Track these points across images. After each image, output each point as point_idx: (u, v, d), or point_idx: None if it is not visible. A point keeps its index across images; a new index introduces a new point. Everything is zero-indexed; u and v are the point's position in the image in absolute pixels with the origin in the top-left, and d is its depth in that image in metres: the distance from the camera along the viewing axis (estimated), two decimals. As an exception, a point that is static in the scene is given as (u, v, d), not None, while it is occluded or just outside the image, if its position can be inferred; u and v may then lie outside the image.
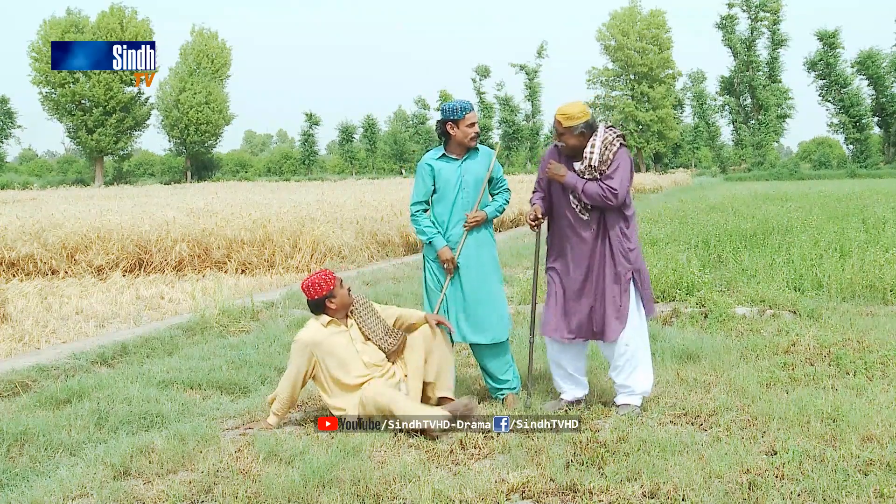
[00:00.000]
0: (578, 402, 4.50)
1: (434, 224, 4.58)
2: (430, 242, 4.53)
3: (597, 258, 4.32)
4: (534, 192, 4.63)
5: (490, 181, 4.66)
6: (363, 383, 4.25)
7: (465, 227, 4.50)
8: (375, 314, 4.43)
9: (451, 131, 4.52)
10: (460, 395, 4.54)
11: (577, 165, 4.33)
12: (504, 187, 4.74)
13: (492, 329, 4.52)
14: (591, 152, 4.26)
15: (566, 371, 4.50)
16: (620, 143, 4.30)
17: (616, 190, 4.22)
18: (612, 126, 4.38)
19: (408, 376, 4.36)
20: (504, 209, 4.72)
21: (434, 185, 4.58)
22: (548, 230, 4.60)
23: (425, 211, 4.66)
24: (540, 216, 4.47)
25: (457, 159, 4.57)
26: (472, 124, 4.50)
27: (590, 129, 4.28)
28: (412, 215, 4.64)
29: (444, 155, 4.58)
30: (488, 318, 4.52)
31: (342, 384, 4.23)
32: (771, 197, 20.77)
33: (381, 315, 4.46)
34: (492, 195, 4.74)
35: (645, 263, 4.51)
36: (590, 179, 4.27)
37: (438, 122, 4.55)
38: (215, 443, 3.91)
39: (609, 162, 4.25)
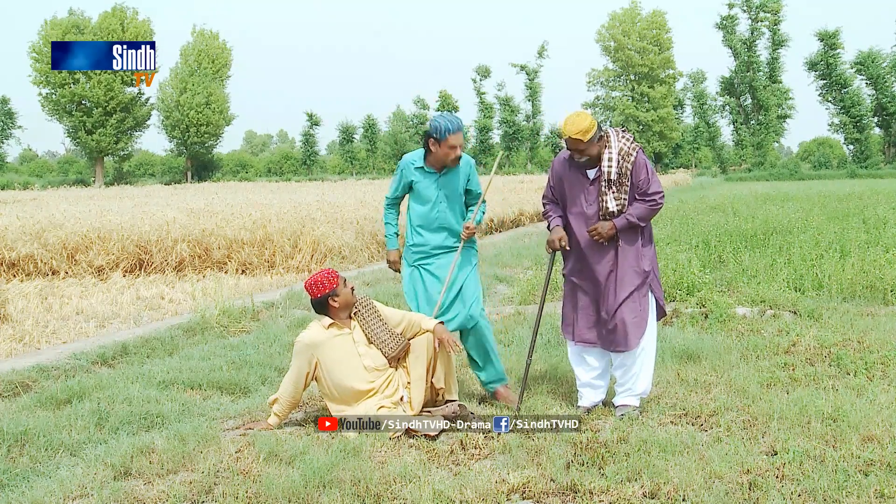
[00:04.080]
0: (595, 407, 4.48)
1: (413, 229, 4.67)
2: (386, 239, 4.81)
3: (613, 262, 4.27)
4: (546, 205, 4.50)
5: (467, 192, 4.69)
6: (367, 391, 4.24)
7: (463, 237, 4.58)
8: (379, 317, 4.40)
9: (432, 147, 4.51)
10: (462, 395, 4.55)
11: (591, 173, 4.30)
12: (480, 200, 4.67)
13: (457, 317, 4.57)
14: (609, 166, 4.19)
15: (587, 376, 4.45)
16: (637, 150, 4.22)
17: (659, 193, 4.21)
18: (622, 131, 4.29)
19: (410, 384, 4.33)
20: (482, 220, 4.78)
21: (412, 187, 4.65)
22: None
23: (396, 205, 4.83)
24: (566, 246, 4.35)
25: (435, 172, 4.59)
26: (454, 147, 4.46)
27: (601, 129, 4.22)
28: (385, 207, 4.84)
29: (422, 167, 4.59)
30: (453, 305, 4.59)
31: (343, 387, 4.23)
32: (771, 197, 20.76)
33: (386, 318, 4.42)
34: (467, 206, 4.75)
35: (657, 264, 4.50)
36: (636, 202, 4.20)
37: (424, 133, 4.53)
38: (216, 443, 3.91)
39: (629, 173, 4.19)
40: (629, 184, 4.21)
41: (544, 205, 4.54)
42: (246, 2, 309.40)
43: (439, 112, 4.65)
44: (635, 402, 4.34)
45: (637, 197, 4.22)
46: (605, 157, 4.21)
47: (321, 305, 4.31)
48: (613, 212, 4.23)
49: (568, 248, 4.36)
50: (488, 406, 4.55)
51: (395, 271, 4.86)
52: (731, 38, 57.61)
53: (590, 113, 4.37)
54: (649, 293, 4.33)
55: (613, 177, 4.20)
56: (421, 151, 4.62)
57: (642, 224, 4.24)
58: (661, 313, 4.48)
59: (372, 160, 64.78)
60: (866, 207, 15.24)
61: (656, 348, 4.51)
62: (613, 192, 4.22)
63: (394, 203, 4.80)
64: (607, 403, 4.49)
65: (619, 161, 4.19)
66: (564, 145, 4.28)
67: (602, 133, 4.21)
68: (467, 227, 4.56)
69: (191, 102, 54.29)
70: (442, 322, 4.44)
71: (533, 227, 18.54)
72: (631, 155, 4.20)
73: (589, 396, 4.45)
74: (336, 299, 4.29)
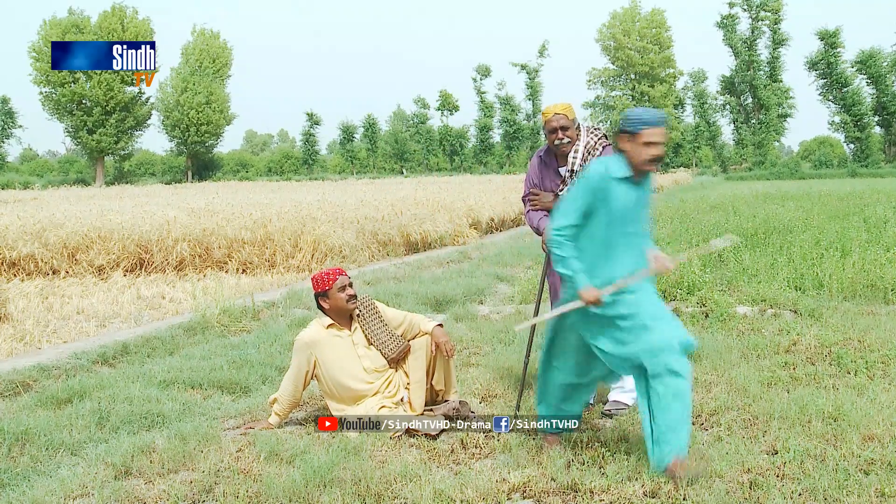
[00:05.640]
0: (587, 404, 4.49)
1: (593, 266, 3.51)
2: (570, 278, 3.51)
3: None
4: (529, 210, 4.49)
5: None
6: (367, 392, 4.23)
7: (650, 271, 3.53)
8: (380, 318, 4.39)
9: (623, 146, 3.48)
10: (462, 394, 4.54)
11: (562, 171, 4.36)
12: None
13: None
14: (574, 158, 4.29)
15: None
16: (604, 146, 4.30)
17: None
18: (592, 127, 4.39)
19: (410, 386, 4.32)
20: None
21: (600, 208, 3.47)
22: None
23: (575, 237, 3.52)
24: None
25: (638, 184, 3.51)
26: (650, 144, 3.41)
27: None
28: (556, 237, 3.51)
29: (628, 177, 3.47)
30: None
31: (343, 386, 4.23)
32: (772, 196, 20.75)
33: (387, 319, 4.42)
34: None
35: None
36: None
37: (615, 132, 3.56)
38: (216, 442, 3.91)
39: None
40: None
41: (525, 205, 4.56)
42: (246, 2, 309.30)
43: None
44: (628, 400, 4.35)
45: None
46: (573, 149, 4.30)
47: (317, 303, 4.32)
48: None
49: None
50: (489, 405, 4.55)
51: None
52: (731, 37, 57.61)
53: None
54: None
55: (577, 168, 4.28)
56: (615, 159, 3.52)
57: None
58: None
59: (373, 160, 64.82)
60: (867, 206, 15.24)
61: None
62: (573, 182, 4.27)
63: (574, 235, 3.51)
64: (607, 402, 4.49)
65: (584, 155, 4.28)
66: (545, 134, 4.35)
67: (579, 124, 4.34)
68: (661, 260, 3.54)
69: (191, 102, 54.30)
70: (441, 324, 4.43)
71: (533, 226, 18.51)
72: (597, 150, 4.28)
73: None
74: (326, 300, 4.27)
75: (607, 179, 3.46)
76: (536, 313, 4.59)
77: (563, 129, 4.28)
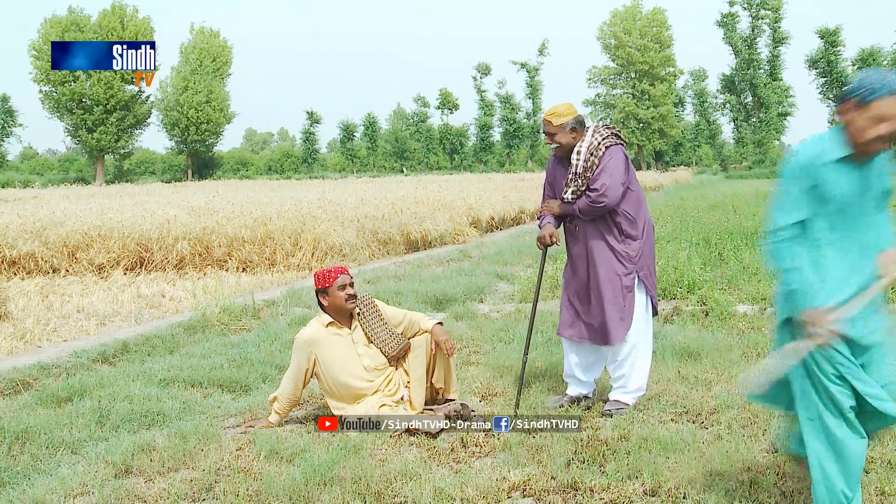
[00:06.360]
0: (584, 398, 4.49)
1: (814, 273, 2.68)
2: (791, 292, 2.70)
3: (594, 262, 4.30)
4: (543, 205, 4.51)
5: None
6: (367, 390, 4.23)
7: (886, 276, 2.66)
8: (380, 317, 4.39)
9: (844, 117, 2.67)
10: (462, 392, 4.55)
11: (571, 169, 4.36)
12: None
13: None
14: (577, 159, 4.28)
15: (573, 370, 4.50)
16: (608, 146, 4.25)
17: (601, 189, 4.18)
18: (601, 127, 4.36)
19: (410, 385, 4.32)
20: None
21: (817, 200, 2.68)
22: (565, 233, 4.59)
23: (799, 235, 2.71)
24: (557, 242, 4.41)
25: (858, 166, 2.69)
26: (884, 118, 2.57)
27: (581, 126, 4.29)
28: (771, 246, 2.73)
29: (843, 159, 2.67)
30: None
31: (342, 384, 4.23)
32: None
33: (387, 317, 4.41)
34: None
35: (654, 261, 4.49)
36: (580, 196, 4.28)
37: (838, 96, 2.72)
38: (216, 441, 3.91)
39: (595, 167, 4.24)
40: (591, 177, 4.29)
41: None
42: (246, 1, 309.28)
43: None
44: (628, 399, 4.34)
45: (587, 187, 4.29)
46: (576, 150, 4.29)
47: (317, 300, 4.32)
48: (570, 201, 4.33)
49: (559, 243, 4.41)
50: (489, 404, 4.55)
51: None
52: (731, 36, 57.66)
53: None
54: (637, 290, 4.32)
55: (580, 170, 4.27)
56: (828, 136, 2.72)
57: (583, 217, 4.28)
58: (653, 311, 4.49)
59: (373, 158, 64.88)
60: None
61: (652, 346, 4.51)
62: (576, 184, 4.28)
63: (796, 235, 2.70)
64: (608, 401, 4.49)
65: (587, 156, 4.26)
66: None
67: (577, 126, 4.28)
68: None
69: (191, 101, 54.29)
70: (441, 323, 4.43)
71: (534, 224, 18.53)
72: (600, 150, 4.25)
73: (574, 387, 4.51)
74: (325, 298, 4.27)
75: (818, 164, 2.66)
76: (534, 312, 4.61)
77: (549, 134, 4.32)
